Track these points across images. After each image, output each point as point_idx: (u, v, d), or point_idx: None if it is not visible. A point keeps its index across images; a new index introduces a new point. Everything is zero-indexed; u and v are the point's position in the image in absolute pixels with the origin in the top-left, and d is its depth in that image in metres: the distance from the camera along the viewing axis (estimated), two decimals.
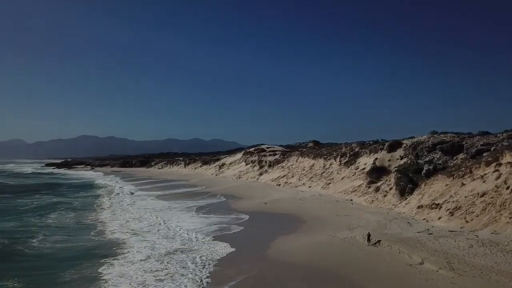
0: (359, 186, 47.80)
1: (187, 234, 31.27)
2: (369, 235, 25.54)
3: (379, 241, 25.19)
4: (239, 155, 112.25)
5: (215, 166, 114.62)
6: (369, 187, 45.67)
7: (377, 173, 47.66)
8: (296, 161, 74.03)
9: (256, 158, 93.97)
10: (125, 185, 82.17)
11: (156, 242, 28.35)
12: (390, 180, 43.53)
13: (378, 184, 44.93)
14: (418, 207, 34.59)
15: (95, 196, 60.23)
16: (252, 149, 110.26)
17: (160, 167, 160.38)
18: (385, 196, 41.40)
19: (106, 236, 30.93)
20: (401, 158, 49.67)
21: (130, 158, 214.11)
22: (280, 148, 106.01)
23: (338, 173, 56.59)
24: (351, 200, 45.30)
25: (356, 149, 59.91)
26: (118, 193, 64.23)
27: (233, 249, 26.17)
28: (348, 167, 55.63)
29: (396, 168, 46.19)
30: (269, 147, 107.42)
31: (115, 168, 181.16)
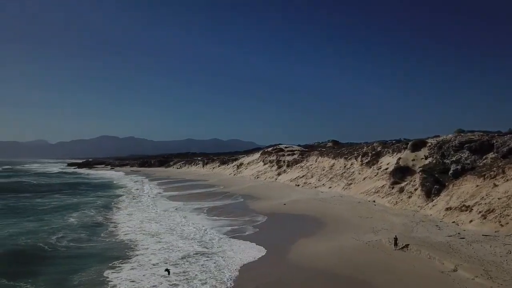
0: (382, 186, 46.04)
1: (204, 234, 30.42)
2: (396, 238, 24.06)
3: (407, 245, 23.69)
4: (257, 155, 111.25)
5: (233, 166, 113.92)
6: (393, 188, 43.89)
7: (400, 173, 45.80)
8: (316, 161, 72.48)
9: (274, 158, 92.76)
10: (144, 185, 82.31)
11: (173, 243, 27.56)
12: (415, 180, 41.66)
13: (402, 184, 43.11)
14: (447, 209, 32.75)
15: (114, 196, 60.17)
16: (270, 148, 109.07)
17: (179, 167, 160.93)
18: (410, 197, 39.59)
19: (119, 237, 30.38)
20: (426, 157, 47.59)
21: (149, 158, 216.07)
22: (299, 148, 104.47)
23: (359, 173, 54.86)
24: (374, 201, 43.63)
25: (378, 149, 58.03)
26: (137, 193, 64.13)
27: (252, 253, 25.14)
28: (370, 167, 53.83)
29: (421, 168, 44.23)
30: (287, 147, 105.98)
31: (134, 168, 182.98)
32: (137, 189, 73.81)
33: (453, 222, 29.96)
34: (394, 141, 63.89)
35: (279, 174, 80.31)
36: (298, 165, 78.95)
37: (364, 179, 52.18)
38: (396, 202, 40.24)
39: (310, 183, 63.42)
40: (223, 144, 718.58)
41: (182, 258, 23.95)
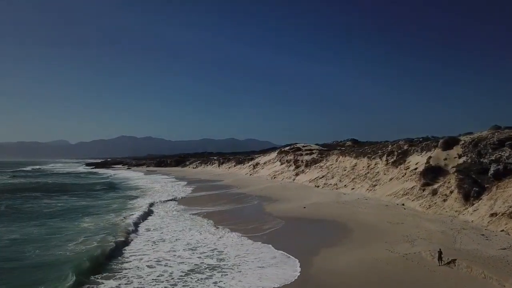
0: (411, 188, 41.99)
1: (208, 244, 27.31)
2: (440, 252, 20.31)
3: (453, 260, 19.95)
4: (273, 155, 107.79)
5: (249, 166, 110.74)
6: (424, 190, 39.81)
7: (432, 173, 41.63)
8: (336, 161, 68.55)
9: (292, 157, 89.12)
10: (160, 186, 79.95)
11: (180, 254, 24.50)
12: (449, 181, 37.54)
13: (435, 186, 39.00)
14: (491, 215, 28.68)
15: (125, 197, 57.73)
16: (287, 148, 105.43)
17: (195, 166, 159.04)
18: (444, 200, 35.52)
19: (116, 243, 27.49)
20: (459, 156, 43.26)
21: (166, 158, 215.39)
22: (317, 147, 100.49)
23: (385, 174, 50.81)
24: (403, 204, 39.68)
25: (405, 147, 53.81)
26: (152, 197, 61.71)
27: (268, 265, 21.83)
28: (397, 167, 49.72)
29: (455, 168, 40.05)
30: (305, 146, 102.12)
31: (150, 168, 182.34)
32: (152, 189, 71.31)
33: (502, 230, 25.93)
34: (421, 139, 59.56)
35: (297, 175, 76.67)
36: (317, 165, 75.13)
37: (391, 180, 48.14)
38: (429, 205, 36.21)
39: (330, 184, 59.62)
40: (239, 144, 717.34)
41: (183, 274, 20.83)
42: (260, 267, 21.70)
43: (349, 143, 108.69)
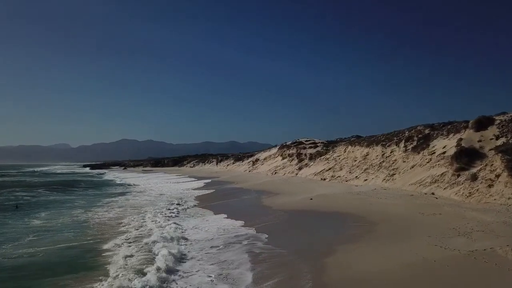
0: (441, 175, 34.43)
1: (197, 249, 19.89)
2: None
3: None
4: (274, 150, 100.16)
5: (248, 162, 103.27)
6: (459, 176, 32.22)
7: (466, 157, 34.05)
8: (345, 151, 60.99)
9: (294, 151, 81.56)
10: (144, 182, 72.72)
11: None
12: (492, 164, 29.99)
13: (473, 171, 31.40)
14: None
15: (105, 195, 50.44)
16: (289, 142, 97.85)
17: (192, 165, 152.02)
18: (490, 186, 27.92)
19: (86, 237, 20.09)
20: (497, 137, 35.70)
21: (163, 159, 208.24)
22: (321, 141, 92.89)
23: (404, 161, 43.26)
24: (433, 193, 32.10)
25: (426, 131, 46.25)
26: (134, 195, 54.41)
27: (269, 269, 14.36)
28: (419, 153, 42.18)
29: (494, 151, 32.52)
30: (308, 140, 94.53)
31: (147, 168, 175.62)
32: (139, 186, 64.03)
33: None
34: (441, 124, 51.94)
35: (300, 169, 69.12)
36: (322, 157, 67.57)
37: (412, 167, 40.56)
38: (470, 193, 28.59)
39: (339, 177, 52.06)
40: (240, 146, 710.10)
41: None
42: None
43: (353, 139, 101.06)
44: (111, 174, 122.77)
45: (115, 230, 23.45)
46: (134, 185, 66.67)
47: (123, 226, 24.80)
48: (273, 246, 18.34)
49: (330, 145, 76.69)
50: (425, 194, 32.60)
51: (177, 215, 28.88)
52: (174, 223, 24.76)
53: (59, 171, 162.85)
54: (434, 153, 39.68)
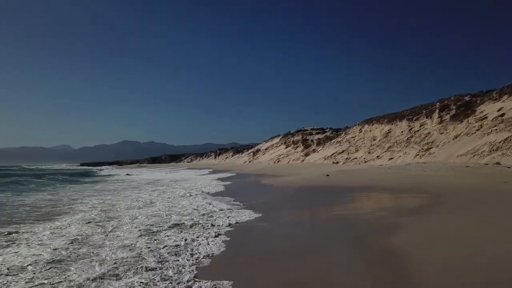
0: (504, 140, 25.30)
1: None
2: None
3: None
4: (276, 139, 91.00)
5: (248, 154, 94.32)
6: None
7: None
8: (360, 131, 51.86)
9: (300, 137, 72.51)
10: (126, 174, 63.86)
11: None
12: None
13: None
14: None
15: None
16: (293, 131, 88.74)
17: (189, 160, 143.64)
18: None
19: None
20: None
21: (161, 156, 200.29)
22: (328, 128, 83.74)
23: (441, 133, 34.18)
24: (498, 163, 23.01)
25: (466, 98, 37.13)
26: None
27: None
28: (461, 121, 33.10)
29: None
30: (314, 128, 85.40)
31: (144, 165, 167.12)
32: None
33: None
34: (483, 91, 42.67)
35: (306, 155, 60.09)
36: (332, 141, 58.48)
37: (456, 137, 31.46)
38: None
39: (355, 158, 43.02)
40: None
41: None
42: None
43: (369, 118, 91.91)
44: (105, 171, 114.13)
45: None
46: (115, 175, 58.03)
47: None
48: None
49: (340, 130, 67.58)
50: (485, 164, 23.44)
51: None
52: None
53: (48, 167, 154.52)
54: (486, 118, 30.48)
